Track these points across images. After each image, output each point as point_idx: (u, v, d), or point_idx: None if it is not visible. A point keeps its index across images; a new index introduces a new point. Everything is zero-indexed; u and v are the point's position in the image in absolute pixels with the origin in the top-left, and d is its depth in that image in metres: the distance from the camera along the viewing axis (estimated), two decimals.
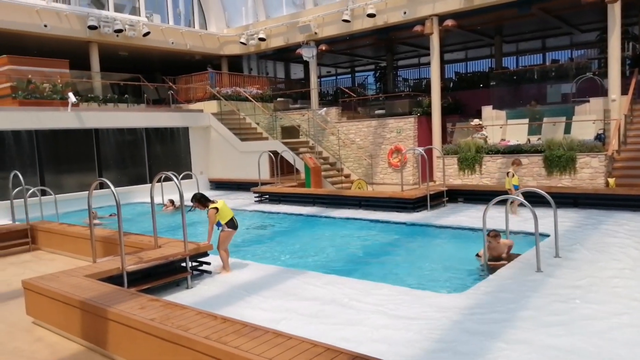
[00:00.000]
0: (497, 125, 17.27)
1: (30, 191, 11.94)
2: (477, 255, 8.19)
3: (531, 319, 5.50)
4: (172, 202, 15.99)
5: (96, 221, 12.87)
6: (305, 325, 5.53)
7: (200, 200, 8.15)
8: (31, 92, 17.27)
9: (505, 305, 5.94)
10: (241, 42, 24.12)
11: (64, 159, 17.57)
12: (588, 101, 16.31)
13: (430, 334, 5.21)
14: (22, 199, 11.11)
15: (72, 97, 17.42)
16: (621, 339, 4.93)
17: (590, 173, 13.45)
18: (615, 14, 14.74)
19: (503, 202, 7.99)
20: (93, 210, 13.09)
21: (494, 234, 8.01)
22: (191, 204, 8.26)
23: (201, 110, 22.18)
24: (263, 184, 17.46)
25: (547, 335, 5.03)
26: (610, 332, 5.09)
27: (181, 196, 7.46)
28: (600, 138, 14.51)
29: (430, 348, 4.90)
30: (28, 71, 17.56)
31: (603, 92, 16.15)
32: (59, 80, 18.20)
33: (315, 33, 21.37)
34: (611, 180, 13.02)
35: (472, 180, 15.43)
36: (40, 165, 16.89)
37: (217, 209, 8.00)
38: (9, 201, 12.15)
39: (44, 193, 13.73)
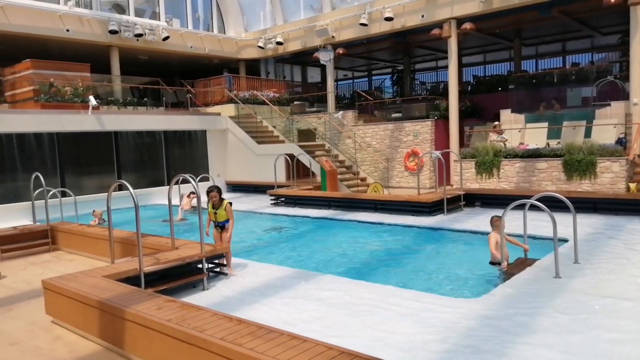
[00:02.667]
0: (516, 129, 17.08)
1: (51, 192, 12.16)
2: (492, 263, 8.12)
3: (549, 325, 5.42)
4: (192, 194, 15.85)
5: (97, 223, 13.05)
6: (320, 328, 5.53)
7: (220, 191, 8.34)
8: (53, 96, 17.61)
9: (522, 311, 5.86)
10: (259, 46, 24.28)
11: (84, 161, 17.87)
12: (609, 105, 16.05)
13: (446, 338, 5.17)
14: (43, 200, 11.32)
15: (92, 101, 17.72)
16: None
17: (610, 178, 13.22)
18: (638, 16, 14.49)
19: (521, 207, 7.89)
20: (97, 210, 13.32)
21: (496, 218, 8.04)
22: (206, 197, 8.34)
23: (219, 114, 22.36)
24: (279, 186, 17.52)
25: (565, 343, 4.95)
26: (631, 343, 4.98)
27: (198, 198, 7.54)
28: (622, 142, 14.26)
29: (446, 353, 4.85)
30: (50, 75, 17.92)
31: (624, 95, 15.89)
32: (80, 84, 18.54)
33: (333, 37, 21.41)
34: (632, 185, 12.78)
35: (489, 184, 15.28)
36: (61, 167, 17.19)
37: (231, 203, 8.29)
38: (30, 202, 12.38)
39: (64, 194, 13.96)
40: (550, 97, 18.28)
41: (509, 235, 8.30)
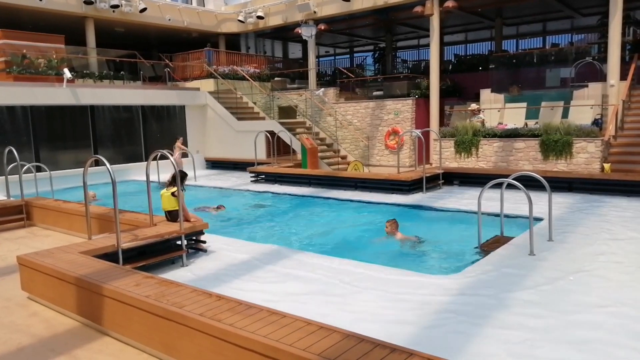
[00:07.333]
0: (495, 109, 17.22)
1: (25, 167, 11.88)
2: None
3: (522, 300, 5.56)
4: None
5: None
6: (299, 304, 5.58)
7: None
8: (26, 67, 17.08)
9: (497, 287, 5.99)
10: (239, 20, 23.84)
11: (59, 135, 17.46)
12: (587, 86, 16.27)
13: (422, 314, 5.27)
14: (17, 175, 11.07)
15: (67, 73, 17.24)
16: (610, 322, 4.99)
17: (586, 158, 13.47)
18: None
19: (498, 186, 8.01)
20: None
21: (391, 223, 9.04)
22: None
23: (198, 89, 22.00)
24: (259, 163, 17.43)
25: (537, 317, 5.09)
26: (600, 315, 5.15)
27: (177, 175, 7.45)
28: (598, 123, 14.50)
29: (422, 328, 4.95)
30: (23, 46, 17.33)
31: (602, 77, 16.10)
32: (54, 56, 17.99)
33: (315, 12, 21.13)
34: (607, 166, 13.06)
35: (468, 163, 15.44)
36: (35, 142, 16.78)
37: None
38: (3, 177, 12.09)
39: (39, 169, 13.67)
40: (530, 77, 18.43)
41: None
